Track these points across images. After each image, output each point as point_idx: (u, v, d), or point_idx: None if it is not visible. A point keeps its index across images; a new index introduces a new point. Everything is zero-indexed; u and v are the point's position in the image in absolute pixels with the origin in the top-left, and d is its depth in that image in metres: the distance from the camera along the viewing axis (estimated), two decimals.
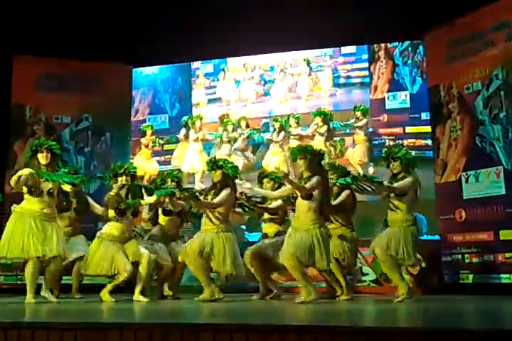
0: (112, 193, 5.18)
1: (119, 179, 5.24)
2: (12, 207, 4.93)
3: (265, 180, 5.64)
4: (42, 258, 4.82)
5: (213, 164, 5.08)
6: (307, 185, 4.68)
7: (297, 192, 4.75)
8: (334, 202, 5.31)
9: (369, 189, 5.15)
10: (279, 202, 5.40)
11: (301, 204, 4.72)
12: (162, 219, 5.69)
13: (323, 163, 4.98)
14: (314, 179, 4.69)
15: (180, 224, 5.82)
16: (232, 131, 7.89)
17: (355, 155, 7.39)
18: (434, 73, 6.98)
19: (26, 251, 4.76)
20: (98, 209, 5.59)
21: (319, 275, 5.59)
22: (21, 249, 4.76)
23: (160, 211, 5.68)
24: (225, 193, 4.98)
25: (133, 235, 5.39)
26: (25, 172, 4.80)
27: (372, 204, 6.25)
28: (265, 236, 5.66)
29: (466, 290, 6.10)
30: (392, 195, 4.92)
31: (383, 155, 5.22)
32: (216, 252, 4.91)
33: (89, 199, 5.78)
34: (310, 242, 4.60)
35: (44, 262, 4.90)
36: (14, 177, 4.79)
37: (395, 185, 4.89)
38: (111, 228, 5.22)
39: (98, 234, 5.26)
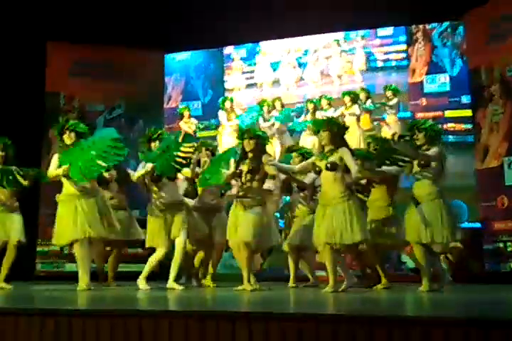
0: (137, 175, 5.13)
1: (153, 144, 5.19)
2: (56, 198, 4.95)
3: (294, 154, 5.51)
4: (89, 240, 4.85)
5: (247, 132, 4.92)
6: (354, 161, 4.55)
7: (321, 166, 4.61)
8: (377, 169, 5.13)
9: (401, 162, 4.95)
10: (311, 178, 5.18)
11: (327, 176, 4.59)
12: (201, 190, 5.58)
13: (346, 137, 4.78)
14: (347, 153, 4.55)
15: (221, 194, 5.70)
16: (268, 112, 7.78)
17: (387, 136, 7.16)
18: (475, 54, 6.75)
19: (72, 234, 4.78)
20: (135, 176, 5.56)
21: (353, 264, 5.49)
22: (68, 233, 4.80)
23: (198, 182, 5.52)
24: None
25: (180, 199, 5.27)
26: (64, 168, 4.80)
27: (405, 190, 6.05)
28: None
29: (508, 279, 5.91)
30: (416, 169, 4.72)
31: (408, 125, 5.02)
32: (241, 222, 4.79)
33: (128, 169, 5.73)
34: (341, 218, 4.47)
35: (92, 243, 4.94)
36: (57, 172, 4.81)
37: (425, 153, 4.68)
38: (154, 200, 5.16)
39: (148, 209, 5.20)
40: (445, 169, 4.78)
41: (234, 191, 5.64)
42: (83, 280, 4.81)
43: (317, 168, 4.68)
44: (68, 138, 4.90)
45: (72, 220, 4.78)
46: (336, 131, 4.64)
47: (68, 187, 4.88)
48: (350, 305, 3.80)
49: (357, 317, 2.91)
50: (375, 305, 3.84)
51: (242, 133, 4.95)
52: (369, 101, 7.37)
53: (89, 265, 4.90)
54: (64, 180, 4.89)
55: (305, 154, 5.43)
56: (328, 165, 4.53)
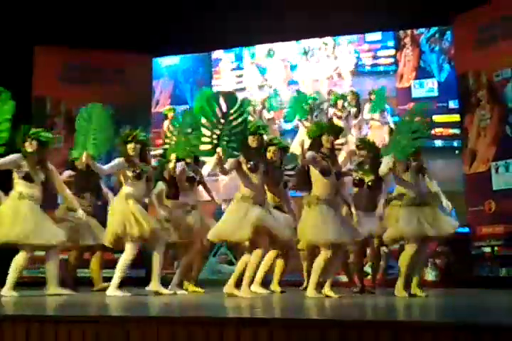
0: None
1: (128, 146, 4.99)
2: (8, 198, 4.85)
3: (272, 148, 5.06)
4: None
5: (261, 128, 4.75)
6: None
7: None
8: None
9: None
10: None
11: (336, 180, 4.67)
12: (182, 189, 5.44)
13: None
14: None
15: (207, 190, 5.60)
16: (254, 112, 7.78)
17: (376, 138, 7.12)
18: (463, 60, 6.79)
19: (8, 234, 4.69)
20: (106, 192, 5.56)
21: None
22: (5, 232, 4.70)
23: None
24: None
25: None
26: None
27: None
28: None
29: (495, 283, 5.93)
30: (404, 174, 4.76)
31: (394, 128, 5.10)
32: None
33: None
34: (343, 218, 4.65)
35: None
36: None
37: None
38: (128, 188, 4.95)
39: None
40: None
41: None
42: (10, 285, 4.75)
43: (335, 171, 4.63)
44: (29, 146, 4.80)
45: (15, 220, 4.69)
46: (337, 136, 4.72)
47: (17, 188, 4.78)
48: (339, 310, 3.78)
49: (346, 321, 2.90)
50: (364, 310, 3.82)
51: (256, 128, 4.69)
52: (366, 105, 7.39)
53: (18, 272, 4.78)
54: (15, 179, 4.79)
55: (286, 148, 5.29)
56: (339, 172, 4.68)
